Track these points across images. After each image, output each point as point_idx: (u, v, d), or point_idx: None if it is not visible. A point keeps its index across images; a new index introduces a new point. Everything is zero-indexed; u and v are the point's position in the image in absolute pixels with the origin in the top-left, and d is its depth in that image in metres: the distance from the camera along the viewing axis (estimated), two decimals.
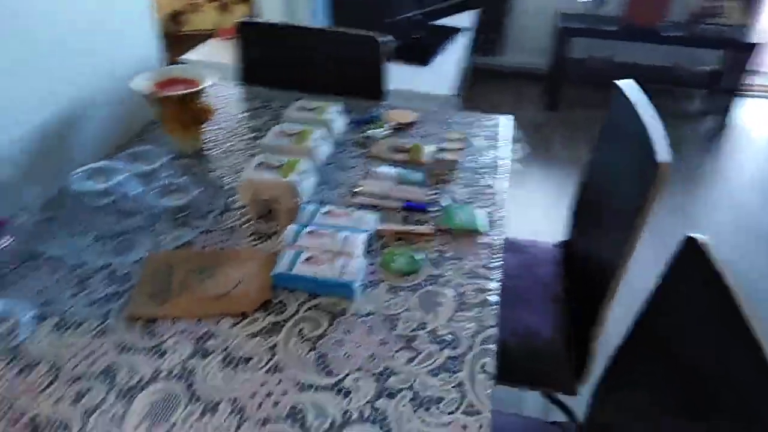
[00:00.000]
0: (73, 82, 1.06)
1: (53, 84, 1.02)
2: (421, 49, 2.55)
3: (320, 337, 0.76)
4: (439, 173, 1.13)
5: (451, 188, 1.09)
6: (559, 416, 1.18)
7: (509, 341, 1.08)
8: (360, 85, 1.42)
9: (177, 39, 2.91)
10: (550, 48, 3.28)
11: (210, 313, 0.78)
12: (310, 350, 0.74)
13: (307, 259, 0.85)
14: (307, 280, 0.82)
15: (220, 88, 1.43)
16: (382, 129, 1.26)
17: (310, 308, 0.80)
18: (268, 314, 0.79)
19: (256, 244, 0.92)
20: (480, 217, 0.99)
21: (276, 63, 1.46)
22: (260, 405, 0.67)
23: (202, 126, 1.15)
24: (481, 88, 3.39)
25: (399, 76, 2.26)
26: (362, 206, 1.02)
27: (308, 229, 0.90)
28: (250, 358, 0.73)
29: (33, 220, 0.93)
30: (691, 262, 0.72)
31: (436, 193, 1.07)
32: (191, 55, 2.29)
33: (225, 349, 0.74)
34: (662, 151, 0.91)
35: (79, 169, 0.93)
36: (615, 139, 1.16)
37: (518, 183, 2.47)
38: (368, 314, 0.80)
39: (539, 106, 3.23)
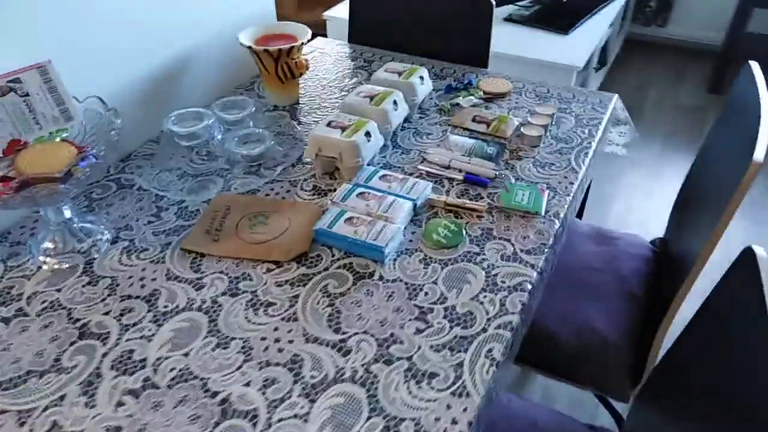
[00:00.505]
0: (187, 32, 1.17)
1: (168, 32, 1.12)
2: (566, 13, 2.38)
3: (341, 294, 0.79)
4: (519, 148, 1.07)
5: (525, 164, 1.03)
6: (606, 419, 1.10)
7: (561, 334, 1.02)
8: (464, 50, 1.38)
9: None
10: (727, 20, 2.87)
11: (249, 257, 0.84)
12: (328, 306, 0.77)
13: (349, 219, 0.87)
14: (343, 238, 0.84)
15: (330, 45, 1.48)
16: (472, 97, 1.22)
17: (341, 266, 0.83)
18: (301, 266, 0.83)
19: (314, 199, 0.96)
20: (542, 199, 0.93)
21: (383, 23, 1.46)
22: (266, 349, 0.71)
23: (298, 80, 1.20)
24: (634, 61, 3.09)
25: (531, 43, 2.15)
26: (425, 173, 1.01)
27: (359, 190, 0.92)
28: (273, 304, 0.77)
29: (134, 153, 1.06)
30: (746, 275, 0.62)
31: (507, 169, 1.02)
32: (333, 12, 2.37)
33: (253, 292, 0.79)
34: (762, 148, 0.78)
35: (174, 112, 1.03)
36: (727, 128, 1.01)
37: (625, 169, 2.26)
38: (394, 280, 0.81)
39: (700, 88, 2.87)
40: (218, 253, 0.85)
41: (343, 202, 0.90)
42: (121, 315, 0.76)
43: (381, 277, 0.81)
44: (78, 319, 0.75)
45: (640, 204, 2.12)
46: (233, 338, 0.73)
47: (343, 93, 1.27)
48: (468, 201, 0.94)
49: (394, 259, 0.84)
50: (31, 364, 0.70)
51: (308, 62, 1.19)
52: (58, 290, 0.80)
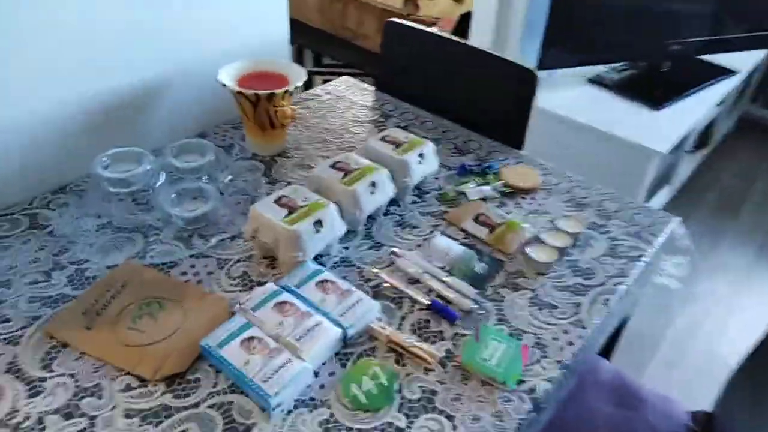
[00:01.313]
0: (172, 51, 1.02)
1: (147, 51, 0.98)
2: (664, 84, 2.05)
3: None
4: (519, 273, 0.83)
5: (519, 299, 0.78)
6: None
7: None
8: (497, 124, 1.14)
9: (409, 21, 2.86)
10: None
11: (113, 362, 0.66)
12: None
13: (248, 340, 0.66)
14: (230, 367, 0.64)
15: (351, 89, 1.28)
16: (486, 187, 0.98)
17: (215, 405, 0.63)
18: (170, 391, 0.64)
19: (234, 292, 0.77)
20: (518, 364, 0.69)
21: (414, 73, 1.25)
22: None
23: (280, 129, 1.02)
24: (744, 145, 2.68)
25: (611, 114, 1.86)
26: (384, 285, 0.79)
27: (280, 298, 0.72)
28: None
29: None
30: None
31: (493, 300, 0.78)
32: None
33: (92, 419, 0.61)
34: None
35: (110, 151, 0.88)
36: None
37: (672, 309, 1.87)
38: None
39: None
40: (83, 348, 0.67)
41: (254, 312, 0.70)
42: None
43: None
44: None
45: (698, 344, 1.75)
46: None
47: (339, 150, 1.07)
48: (418, 342, 0.71)
49: (288, 412, 0.63)
50: None
51: (295, 112, 1.00)
52: None
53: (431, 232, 0.90)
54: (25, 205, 0.88)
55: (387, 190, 0.89)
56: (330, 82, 1.31)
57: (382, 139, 0.96)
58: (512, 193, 0.99)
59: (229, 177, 0.95)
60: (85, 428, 0.60)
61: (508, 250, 0.86)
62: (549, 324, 0.75)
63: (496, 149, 1.11)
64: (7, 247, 0.81)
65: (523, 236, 0.88)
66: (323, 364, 0.68)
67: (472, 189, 0.98)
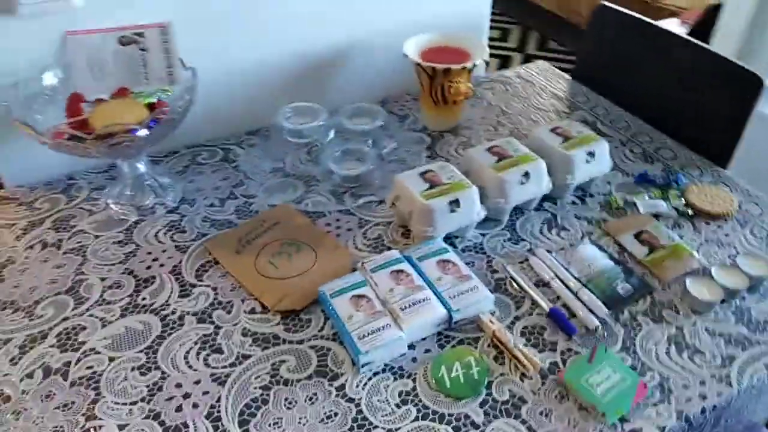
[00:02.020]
0: (361, 21, 1.07)
1: (353, 15, 1.04)
2: None
3: (286, 383, 0.64)
4: (669, 305, 0.73)
5: (657, 333, 0.69)
6: None
7: None
8: (703, 133, 0.99)
9: (648, 9, 2.59)
10: None
11: (248, 287, 0.75)
12: (260, 387, 0.64)
13: (358, 297, 0.70)
14: (336, 316, 0.68)
15: (545, 74, 1.22)
16: (662, 202, 0.87)
17: (317, 347, 0.68)
18: (283, 323, 0.71)
19: (367, 251, 0.81)
20: (628, 399, 0.61)
21: (616, 65, 1.14)
22: (179, 409, 0.62)
23: (453, 106, 1.02)
24: None
25: None
26: (509, 281, 0.76)
27: (400, 266, 0.73)
28: (219, 353, 0.67)
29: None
30: None
31: (625, 326, 0.70)
32: None
33: (216, 329, 0.70)
34: None
35: (292, 104, 0.97)
36: None
37: None
38: (350, 400, 0.62)
39: None
40: (228, 268, 0.78)
41: (372, 273, 0.73)
42: (109, 288, 0.75)
43: (341, 389, 0.64)
44: (82, 272, 0.77)
45: None
46: (159, 370, 0.66)
47: (510, 136, 1.03)
48: (524, 347, 0.67)
49: (375, 373, 0.65)
50: (20, 296, 0.74)
51: (470, 90, 0.99)
52: (96, 237, 0.83)
53: (581, 237, 0.83)
54: (224, 140, 1.02)
55: (541, 184, 0.84)
56: (525, 65, 1.26)
57: (553, 129, 0.90)
58: (695, 215, 0.86)
59: (394, 145, 0.99)
60: (210, 333, 0.69)
61: (664, 277, 0.76)
62: (685, 368, 0.65)
63: (694, 162, 0.97)
64: (201, 173, 0.95)
65: (689, 265, 0.77)
66: (423, 339, 0.69)
67: (646, 201, 0.88)
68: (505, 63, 3.14)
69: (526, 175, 0.82)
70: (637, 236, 0.82)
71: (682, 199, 0.88)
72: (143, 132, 0.76)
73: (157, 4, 0.86)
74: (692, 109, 1.01)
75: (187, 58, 0.86)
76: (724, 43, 1.66)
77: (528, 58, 3.17)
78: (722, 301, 0.73)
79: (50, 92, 0.83)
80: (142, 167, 0.87)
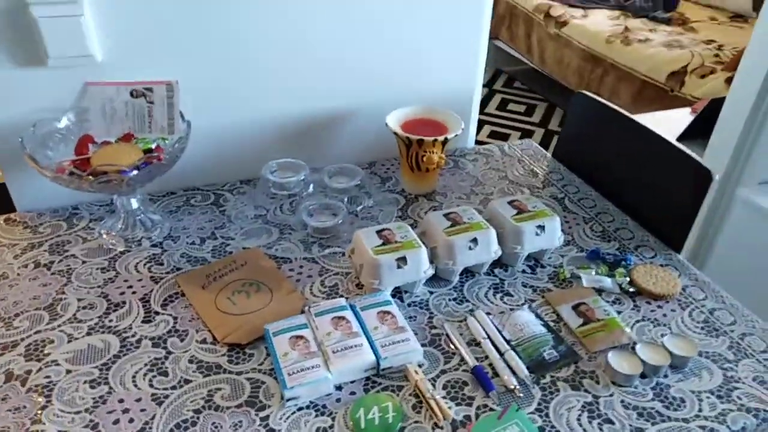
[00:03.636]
0: (366, 88, 1.17)
1: (351, 84, 1.15)
2: None
3: (216, 408, 0.70)
4: (591, 375, 0.76)
5: (571, 402, 0.73)
6: None
7: None
8: (661, 220, 1.04)
9: (665, 97, 2.66)
10: None
11: (204, 319, 0.82)
12: (193, 410, 0.70)
13: (297, 338, 0.76)
14: (274, 353, 0.75)
15: (527, 151, 1.30)
16: (607, 279, 0.92)
17: (252, 380, 0.74)
18: (228, 355, 0.77)
19: (320, 297, 0.88)
20: None
21: (589, 149, 1.21)
22: (116, 422, 0.69)
23: (427, 173, 1.10)
24: None
25: None
26: (446, 337, 0.81)
27: (341, 313, 0.80)
28: (167, 375, 0.74)
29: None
30: None
31: (544, 390, 0.74)
32: (646, 117, 2.08)
33: (167, 354, 0.77)
34: None
35: (278, 160, 1.08)
36: None
37: None
38: (271, 430, 0.68)
39: None
40: (191, 300, 0.86)
41: (315, 317, 0.80)
42: (83, 308, 0.84)
43: (265, 419, 0.69)
44: (63, 292, 0.86)
45: None
46: (108, 385, 0.73)
47: (480, 204, 1.10)
48: (442, 397, 0.72)
49: (299, 409, 0.71)
50: (3, 308, 0.83)
51: (443, 160, 1.07)
52: (84, 262, 0.93)
53: (522, 304, 0.88)
54: (218, 187, 1.13)
55: (489, 251, 0.90)
56: (515, 141, 1.34)
57: (511, 202, 0.97)
58: (637, 293, 0.90)
59: (369, 203, 1.07)
60: (161, 357, 0.77)
61: (592, 348, 0.80)
62: None
63: (649, 245, 1.01)
64: (191, 213, 1.05)
65: (618, 340, 0.81)
66: (352, 382, 0.74)
67: (591, 276, 0.92)
68: (526, 136, 3.24)
69: (474, 240, 0.89)
70: (575, 307, 0.86)
71: (627, 277, 0.92)
72: (133, 173, 0.87)
73: (166, 66, 0.99)
74: (651, 194, 1.06)
75: (188, 113, 0.98)
76: (724, 135, 1.71)
77: (548, 134, 3.27)
78: (644, 377, 0.76)
79: (65, 132, 0.96)
80: (135, 203, 0.97)
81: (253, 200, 1.08)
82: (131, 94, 0.97)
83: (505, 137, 3.17)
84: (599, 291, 0.90)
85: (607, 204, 1.12)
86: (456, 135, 1.06)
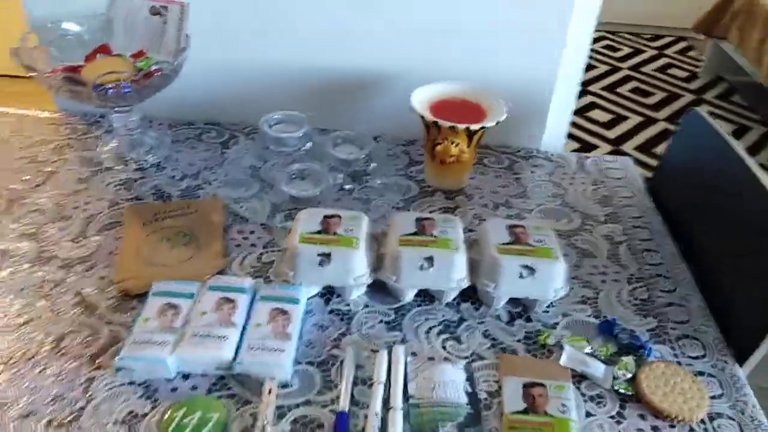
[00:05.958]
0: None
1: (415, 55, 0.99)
2: None
3: (58, 343, 0.64)
4: None
5: None
6: None
7: None
8: (734, 310, 0.72)
9: None
10: None
11: (119, 256, 0.77)
12: (39, 340, 0.65)
13: (173, 305, 0.67)
14: (139, 313, 0.66)
15: (617, 174, 1.01)
16: (601, 365, 0.66)
17: (114, 330, 0.67)
18: (114, 299, 0.71)
19: (244, 272, 0.77)
20: None
21: (688, 182, 0.89)
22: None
23: (444, 165, 0.89)
24: None
25: None
26: (336, 361, 0.65)
27: (235, 295, 0.68)
28: (46, 301, 0.71)
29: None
30: None
31: None
32: None
33: (66, 276, 0.73)
34: None
35: (279, 113, 0.97)
36: None
37: None
38: (86, 390, 0.60)
39: None
40: (124, 234, 0.81)
41: (207, 290, 0.69)
42: (33, 211, 0.84)
43: (91, 380, 0.62)
44: (33, 190, 0.88)
45: None
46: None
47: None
48: (286, 425, 0.57)
49: (130, 383, 0.62)
50: None
51: (467, 155, 0.86)
52: (69, 169, 0.93)
53: (465, 358, 0.67)
54: (239, 127, 1.05)
55: (450, 278, 0.70)
56: (607, 157, 1.06)
57: (511, 226, 0.74)
58: (632, 398, 0.63)
59: (377, 183, 0.92)
60: (54, 279, 0.73)
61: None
62: None
63: (702, 341, 0.71)
64: (194, 147, 1.00)
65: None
66: (202, 375, 0.63)
67: (577, 353, 0.67)
68: None
69: (430, 260, 0.69)
70: (528, 386, 0.63)
71: (631, 373, 0.65)
72: (100, 89, 0.82)
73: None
74: (736, 276, 0.74)
75: (219, 46, 0.97)
76: None
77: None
78: None
79: (87, 39, 0.95)
80: (132, 125, 0.95)
81: (255, 149, 0.99)
82: (150, 11, 0.93)
83: None
84: (581, 377, 0.65)
85: (679, 266, 0.82)
86: (483, 127, 0.84)
